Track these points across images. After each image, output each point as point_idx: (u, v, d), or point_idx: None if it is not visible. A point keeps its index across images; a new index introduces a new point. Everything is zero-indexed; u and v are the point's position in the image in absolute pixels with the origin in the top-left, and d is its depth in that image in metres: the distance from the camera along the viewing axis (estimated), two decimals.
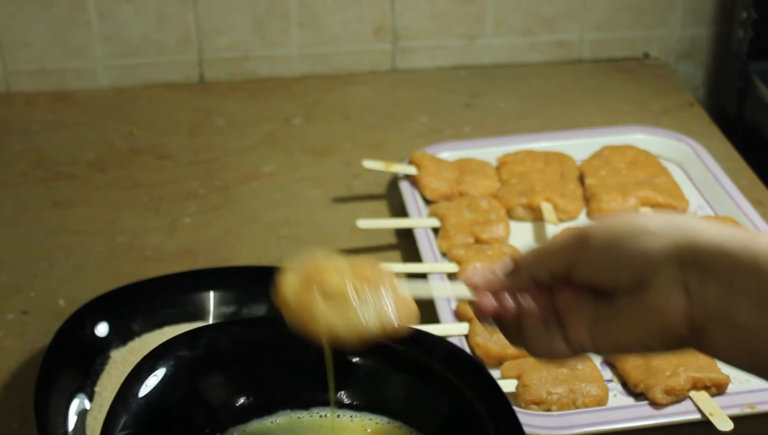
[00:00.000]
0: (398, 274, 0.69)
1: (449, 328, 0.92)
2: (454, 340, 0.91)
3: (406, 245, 1.07)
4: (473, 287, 0.66)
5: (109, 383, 0.87)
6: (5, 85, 1.37)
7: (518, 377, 0.86)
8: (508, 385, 0.86)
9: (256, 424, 0.76)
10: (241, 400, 0.76)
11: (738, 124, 1.35)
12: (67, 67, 1.37)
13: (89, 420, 0.84)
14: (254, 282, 0.95)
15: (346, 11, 1.38)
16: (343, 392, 0.77)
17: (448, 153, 1.19)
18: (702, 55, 1.46)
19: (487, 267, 0.67)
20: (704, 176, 1.14)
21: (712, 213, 1.10)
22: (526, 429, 0.82)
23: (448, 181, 1.12)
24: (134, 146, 1.27)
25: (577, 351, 0.64)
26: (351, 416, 0.76)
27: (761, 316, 0.56)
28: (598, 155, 1.16)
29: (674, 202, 1.09)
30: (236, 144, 1.27)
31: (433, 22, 1.40)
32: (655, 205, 1.08)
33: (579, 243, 0.62)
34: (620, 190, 1.09)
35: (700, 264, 0.58)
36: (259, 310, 0.94)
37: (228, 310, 0.95)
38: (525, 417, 0.83)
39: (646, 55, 1.45)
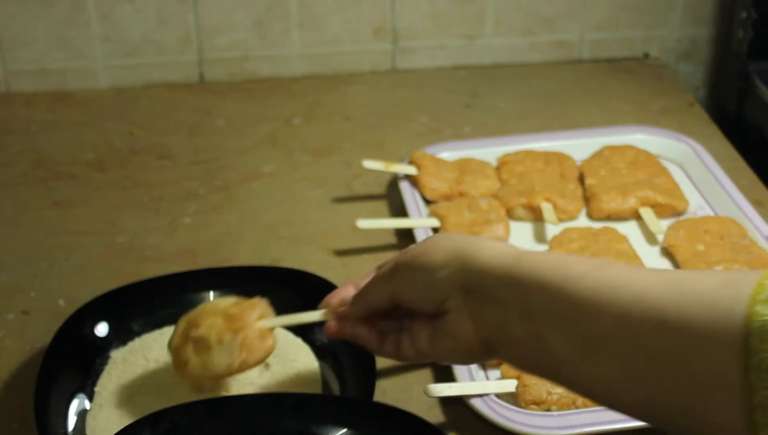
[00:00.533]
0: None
1: None
2: None
3: (406, 245, 1.06)
4: (329, 310, 0.78)
5: (109, 383, 0.88)
6: (5, 85, 1.37)
7: (518, 377, 0.86)
8: (508, 385, 0.86)
9: None
10: None
11: (738, 124, 1.35)
12: (67, 67, 1.37)
13: (89, 420, 0.84)
14: (254, 282, 0.95)
15: (346, 11, 1.38)
16: None
17: (448, 153, 1.19)
18: (702, 55, 1.46)
19: (342, 295, 0.78)
20: (704, 176, 1.14)
21: (712, 213, 1.10)
22: (526, 429, 0.83)
23: (448, 181, 1.12)
24: (134, 146, 1.27)
25: (421, 357, 0.73)
26: None
27: (527, 328, 0.64)
28: (598, 155, 1.16)
29: (674, 202, 1.09)
30: (236, 144, 1.27)
31: (433, 22, 1.40)
32: (655, 205, 1.08)
33: (391, 277, 0.73)
34: (620, 190, 1.09)
35: (477, 289, 0.67)
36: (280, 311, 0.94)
37: None
38: (525, 417, 0.83)
39: (646, 55, 1.45)
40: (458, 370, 0.88)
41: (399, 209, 1.13)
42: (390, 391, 0.89)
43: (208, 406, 0.79)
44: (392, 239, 1.09)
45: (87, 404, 0.86)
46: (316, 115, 1.33)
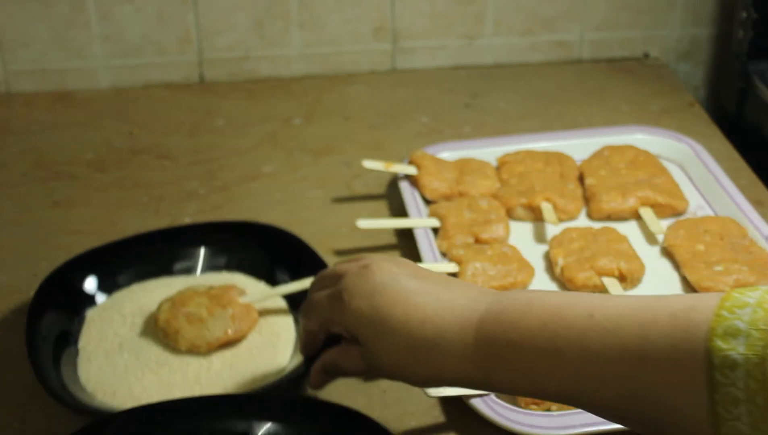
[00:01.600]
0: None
1: None
2: None
3: (406, 245, 1.07)
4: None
5: (90, 340, 0.93)
6: (5, 85, 1.37)
7: None
8: None
9: None
10: None
11: (738, 124, 1.35)
12: (67, 67, 1.37)
13: (81, 372, 0.90)
14: (240, 236, 1.02)
15: (346, 11, 1.38)
16: None
17: (448, 153, 1.19)
18: (702, 55, 1.46)
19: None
20: (704, 176, 1.14)
21: (712, 213, 1.10)
22: (526, 429, 0.83)
23: (448, 181, 1.12)
24: (134, 146, 1.27)
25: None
26: None
27: (396, 360, 0.70)
28: (598, 155, 1.16)
29: (674, 202, 1.09)
30: (236, 144, 1.27)
31: (433, 22, 1.40)
32: (655, 205, 1.08)
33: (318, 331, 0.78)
34: (620, 190, 1.09)
35: (443, 376, 0.70)
36: (218, 261, 1.01)
37: (186, 264, 1.01)
38: (525, 417, 0.83)
39: (646, 55, 1.45)
40: None
41: (399, 209, 1.13)
42: (390, 391, 0.89)
43: (152, 410, 0.81)
44: (392, 239, 1.09)
45: (74, 358, 0.92)
46: (316, 115, 1.33)
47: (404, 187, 1.13)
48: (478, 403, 0.85)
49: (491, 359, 0.66)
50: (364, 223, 1.06)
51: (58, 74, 1.38)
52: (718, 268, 0.98)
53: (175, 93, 1.38)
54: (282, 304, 0.97)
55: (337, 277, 0.75)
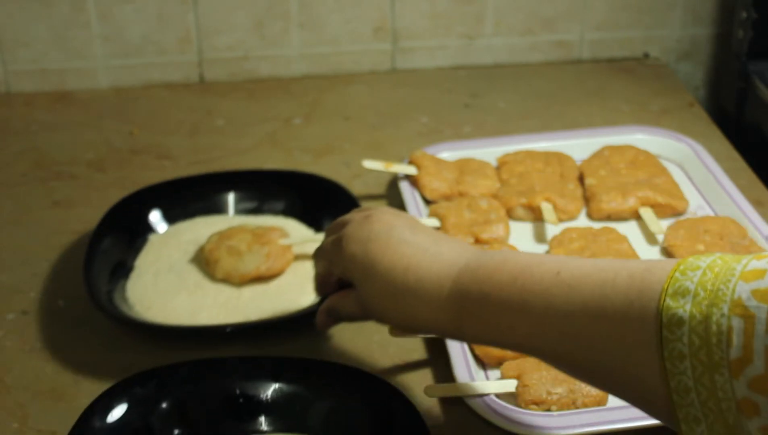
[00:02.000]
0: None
1: None
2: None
3: None
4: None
5: (147, 258, 1.03)
6: (5, 85, 1.37)
7: (518, 377, 0.86)
8: (507, 385, 0.86)
9: None
10: None
11: (738, 124, 1.35)
12: (67, 67, 1.37)
13: (129, 284, 1.00)
14: (303, 186, 1.11)
15: (346, 11, 1.38)
16: (263, 417, 0.83)
17: (448, 153, 1.19)
18: (702, 55, 1.46)
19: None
20: (704, 176, 1.14)
21: (712, 213, 1.10)
22: (526, 429, 0.83)
23: (448, 181, 1.12)
24: (134, 146, 1.27)
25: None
26: None
27: (380, 303, 0.77)
28: (598, 155, 1.16)
29: (674, 202, 1.09)
30: (236, 144, 1.27)
31: (433, 22, 1.40)
32: (655, 205, 1.08)
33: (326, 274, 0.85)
34: (620, 190, 1.09)
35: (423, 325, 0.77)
36: (277, 205, 1.10)
37: (250, 205, 1.11)
38: (525, 417, 0.83)
39: (646, 55, 1.45)
40: (458, 370, 0.88)
41: (399, 209, 1.12)
42: None
43: (192, 367, 0.85)
44: None
45: (127, 273, 1.02)
46: (316, 115, 1.33)
47: (404, 187, 1.13)
48: (478, 403, 0.85)
49: (464, 310, 0.71)
50: None
51: (58, 74, 1.38)
52: None
53: (175, 93, 1.38)
54: None
55: (343, 225, 0.82)
